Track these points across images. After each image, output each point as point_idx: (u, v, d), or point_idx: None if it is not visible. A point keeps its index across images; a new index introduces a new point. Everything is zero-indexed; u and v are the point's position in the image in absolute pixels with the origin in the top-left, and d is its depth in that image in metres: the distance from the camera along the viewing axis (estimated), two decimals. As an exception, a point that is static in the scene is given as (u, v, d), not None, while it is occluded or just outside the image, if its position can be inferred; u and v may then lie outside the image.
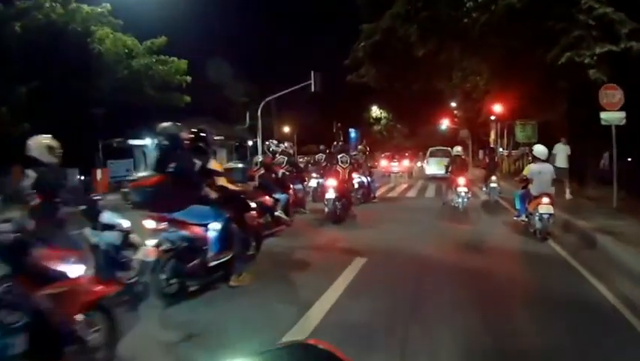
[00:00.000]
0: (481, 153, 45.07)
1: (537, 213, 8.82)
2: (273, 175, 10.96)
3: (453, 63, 21.60)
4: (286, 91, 31.85)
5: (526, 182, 9.68)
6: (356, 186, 14.66)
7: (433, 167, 28.40)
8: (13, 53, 19.42)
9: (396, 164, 32.67)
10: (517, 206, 10.13)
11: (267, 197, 9.64)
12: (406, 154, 38.14)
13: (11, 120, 19.56)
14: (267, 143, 12.59)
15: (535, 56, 14.22)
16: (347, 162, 12.76)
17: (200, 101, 30.48)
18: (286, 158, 12.43)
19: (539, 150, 9.48)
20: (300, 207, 13.01)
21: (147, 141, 27.90)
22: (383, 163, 34.30)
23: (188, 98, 25.78)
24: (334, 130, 62.02)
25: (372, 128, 73.35)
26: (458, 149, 15.29)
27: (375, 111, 73.46)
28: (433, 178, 27.33)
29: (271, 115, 46.40)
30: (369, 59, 19.28)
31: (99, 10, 22.68)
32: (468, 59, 19.65)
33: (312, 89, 29.18)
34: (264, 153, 12.09)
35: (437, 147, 31.25)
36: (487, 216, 13.03)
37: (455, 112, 52.21)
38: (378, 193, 19.26)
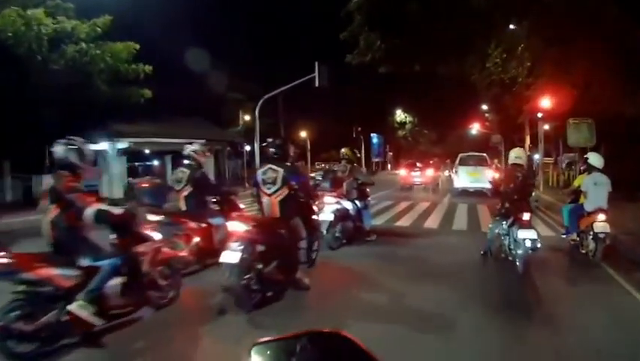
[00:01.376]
0: None
1: (591, 232, 7.86)
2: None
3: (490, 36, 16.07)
4: (286, 87, 26.59)
5: (574, 195, 8.96)
6: (328, 217, 9.07)
7: (464, 178, 22.16)
8: None
9: (418, 174, 26.88)
10: (566, 223, 8.99)
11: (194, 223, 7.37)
12: (431, 162, 32.07)
13: None
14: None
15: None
16: (280, 183, 6.26)
17: (178, 97, 25.80)
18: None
19: (595, 157, 8.56)
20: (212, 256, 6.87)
21: (105, 145, 23.39)
22: (402, 173, 28.33)
23: (148, 93, 21.06)
24: (354, 135, 56.72)
25: (396, 133, 67.65)
26: (518, 153, 8.11)
27: (400, 115, 67.69)
28: (465, 193, 21.44)
29: (277, 117, 41.24)
30: (367, 21, 13.44)
31: None
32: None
33: (317, 84, 24.07)
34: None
35: (469, 153, 24.67)
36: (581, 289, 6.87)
37: (487, 115, 48.51)
38: (385, 218, 13.87)
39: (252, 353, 1.26)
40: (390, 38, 14.80)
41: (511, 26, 20.06)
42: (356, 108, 52.15)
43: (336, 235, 9.32)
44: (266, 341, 1.28)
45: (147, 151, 27.88)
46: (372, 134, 61.96)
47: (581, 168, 9.18)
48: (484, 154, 24.62)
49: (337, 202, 9.46)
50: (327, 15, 18.73)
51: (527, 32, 16.41)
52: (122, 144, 23.25)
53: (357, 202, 9.86)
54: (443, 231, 11.68)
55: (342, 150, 10.58)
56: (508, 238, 7.62)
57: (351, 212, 9.66)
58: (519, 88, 24.63)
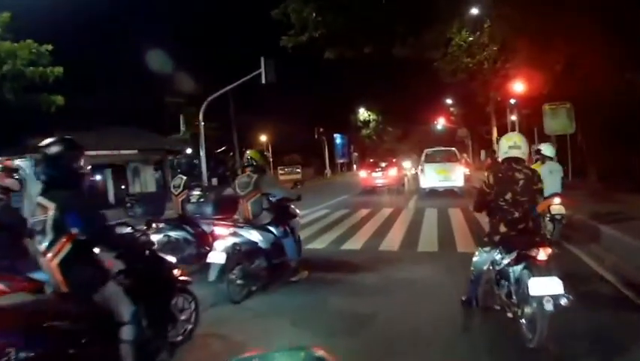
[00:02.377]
0: (483, 153, 39.62)
1: (548, 215, 8.12)
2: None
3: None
4: (231, 86, 23.65)
5: None
6: (218, 259, 6.06)
7: (432, 177, 19.23)
8: None
9: (381, 174, 23.96)
10: None
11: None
12: (393, 160, 29.16)
13: None
14: None
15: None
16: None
17: (108, 104, 22.72)
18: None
19: (547, 148, 8.93)
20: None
21: (20, 163, 20.10)
22: (363, 174, 25.32)
23: (60, 99, 18.41)
24: (316, 136, 53.91)
25: (360, 132, 64.98)
26: (515, 140, 4.92)
27: (363, 113, 64.91)
28: (433, 194, 18.60)
29: (229, 120, 37.89)
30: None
31: None
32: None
33: (264, 80, 21.47)
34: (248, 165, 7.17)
35: (435, 148, 21.74)
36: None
37: (452, 109, 47.41)
38: (333, 236, 10.92)
39: None
40: (329, 11, 11.85)
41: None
42: (317, 108, 48.99)
43: (238, 281, 6.31)
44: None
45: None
46: (335, 135, 59.20)
47: (535, 158, 9.00)
48: (453, 148, 21.61)
49: (233, 233, 6.48)
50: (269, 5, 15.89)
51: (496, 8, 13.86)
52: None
53: (272, 229, 6.81)
54: (405, 255, 8.54)
55: (248, 152, 7.38)
56: (506, 282, 4.65)
57: (262, 245, 6.61)
58: (487, 74, 22.23)
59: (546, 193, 7.23)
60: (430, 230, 10.82)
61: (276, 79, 21.83)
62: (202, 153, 24.40)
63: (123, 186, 26.25)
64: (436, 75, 24.91)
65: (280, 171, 46.09)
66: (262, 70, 21.30)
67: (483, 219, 6.83)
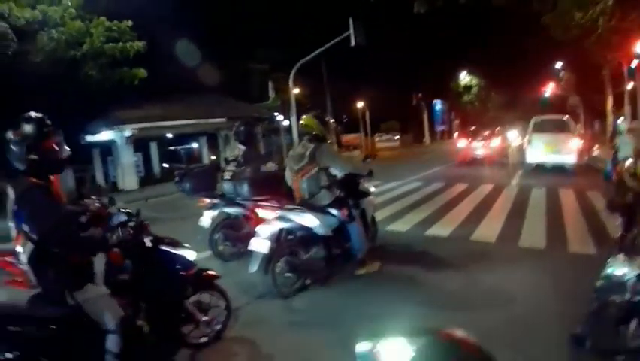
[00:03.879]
0: (597, 124, 36.57)
1: None
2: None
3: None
4: (319, 50, 22.63)
5: None
6: (261, 248, 5.14)
7: (540, 150, 16.80)
8: None
9: (481, 145, 21.82)
10: None
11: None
12: (496, 129, 26.37)
13: None
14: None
15: None
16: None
17: (190, 74, 22.71)
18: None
19: None
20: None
21: (110, 135, 20.90)
22: (461, 144, 23.18)
23: (142, 73, 18.74)
24: (414, 102, 51.53)
25: (462, 98, 61.29)
26: None
27: (465, 78, 60.99)
28: (540, 171, 16.35)
29: (322, 86, 36.81)
30: None
31: None
32: None
33: (353, 43, 20.58)
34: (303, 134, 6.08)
35: (545, 117, 18.67)
36: None
37: (561, 74, 42.18)
38: (421, 216, 9.45)
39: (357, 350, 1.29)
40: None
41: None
42: (415, 73, 46.45)
43: (286, 274, 5.34)
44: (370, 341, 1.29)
45: (170, 135, 25.24)
46: (434, 101, 56.29)
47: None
48: (566, 117, 18.43)
49: (281, 217, 5.40)
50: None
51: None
52: (128, 132, 20.87)
53: (333, 211, 5.61)
54: (503, 251, 6.78)
55: (303, 118, 6.14)
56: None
57: (318, 230, 5.41)
58: (603, 31, 19.14)
59: None
60: (535, 218, 8.88)
61: (365, 41, 20.89)
62: (292, 120, 23.87)
63: (214, 157, 26.48)
64: (544, 34, 22.07)
65: (377, 139, 44.83)
66: (351, 32, 20.29)
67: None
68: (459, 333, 1.27)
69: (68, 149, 3.34)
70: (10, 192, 3.12)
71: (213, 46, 25.50)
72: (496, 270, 5.86)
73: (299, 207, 5.53)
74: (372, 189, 6.62)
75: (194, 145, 29.12)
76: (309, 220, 5.40)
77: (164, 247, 3.89)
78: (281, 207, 5.57)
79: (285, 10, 33.85)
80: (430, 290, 5.30)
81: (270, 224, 5.43)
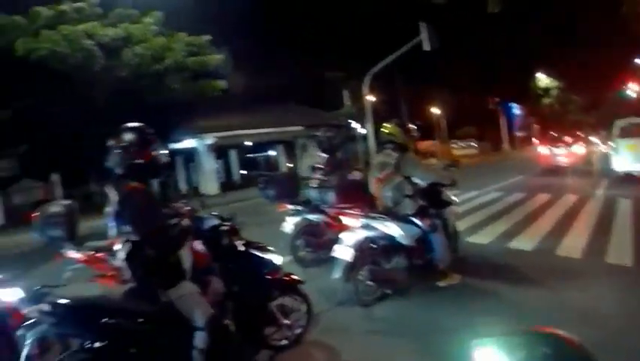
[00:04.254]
0: None
1: None
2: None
3: None
4: (391, 57, 22.83)
5: None
6: (344, 255, 5.26)
7: (628, 157, 15.55)
8: None
9: (564, 151, 20.95)
10: None
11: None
12: (579, 134, 25.09)
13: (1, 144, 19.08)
14: None
15: None
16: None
17: (266, 84, 23.42)
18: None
19: None
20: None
21: (192, 143, 21.97)
22: (542, 150, 22.24)
23: (221, 84, 20.44)
24: (491, 106, 49.98)
25: (540, 101, 58.82)
26: None
27: (544, 80, 58.40)
28: (628, 181, 14.92)
29: (395, 93, 36.61)
30: None
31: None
32: None
33: (425, 47, 20.79)
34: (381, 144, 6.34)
35: (632, 120, 16.74)
36: None
37: None
38: (501, 228, 9.29)
39: (474, 349, 1.26)
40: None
41: None
42: (490, 75, 45.09)
43: (367, 283, 5.43)
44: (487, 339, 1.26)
45: (249, 143, 26.11)
46: (512, 105, 54.38)
47: None
48: None
49: (365, 225, 5.46)
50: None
51: None
52: (209, 140, 21.95)
53: (416, 221, 5.65)
54: (589, 267, 6.46)
55: (385, 126, 6.18)
56: None
57: (401, 240, 5.47)
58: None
59: None
60: (622, 232, 8.37)
61: (438, 45, 20.81)
62: (368, 128, 23.98)
63: (291, 164, 27.04)
64: (625, 26, 20.74)
65: (454, 146, 43.81)
66: (422, 36, 20.42)
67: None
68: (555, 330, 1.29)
69: (167, 155, 3.64)
70: (112, 195, 3.36)
71: (289, 55, 26.13)
72: (583, 287, 5.66)
73: (383, 215, 5.60)
74: (454, 198, 6.60)
75: (272, 153, 29.86)
76: (393, 229, 5.47)
77: (253, 251, 4.11)
78: (365, 216, 5.63)
79: (357, 17, 34.15)
80: (512, 306, 5.22)
81: (354, 232, 5.49)
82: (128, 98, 17.41)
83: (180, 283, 3.40)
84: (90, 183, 21.20)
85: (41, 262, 8.67)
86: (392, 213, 5.64)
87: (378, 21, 31.94)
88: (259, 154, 29.83)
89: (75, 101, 17.50)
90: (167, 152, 3.64)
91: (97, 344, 3.25)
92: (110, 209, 3.39)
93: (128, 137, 3.44)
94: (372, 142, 23.49)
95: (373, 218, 5.58)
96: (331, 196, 6.74)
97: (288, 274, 4.43)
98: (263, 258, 4.16)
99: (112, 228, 3.40)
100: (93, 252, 5.43)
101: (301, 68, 27.33)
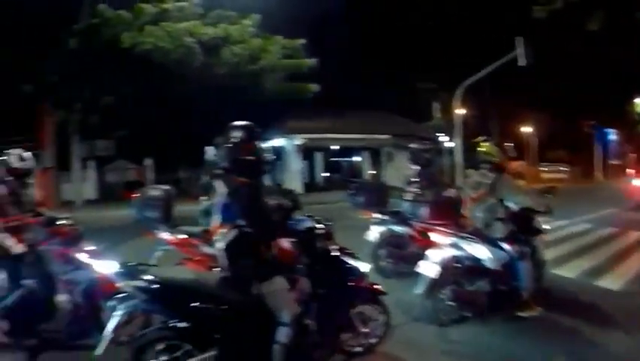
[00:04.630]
0: None
1: None
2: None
3: None
4: (485, 71, 22.30)
5: None
6: (429, 272, 5.26)
7: None
8: (103, 63, 18.61)
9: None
10: None
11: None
12: None
13: (101, 127, 21.00)
14: None
15: None
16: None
17: (358, 90, 23.54)
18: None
19: None
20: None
21: (281, 142, 22.51)
22: (635, 182, 20.45)
23: (314, 87, 20.90)
24: (584, 130, 47.08)
25: (637, 128, 54.71)
26: None
27: (641, 104, 54.07)
28: None
29: (487, 108, 35.47)
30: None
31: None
32: None
33: (521, 63, 20.63)
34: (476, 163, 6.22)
35: None
36: None
37: None
38: (588, 264, 8.87)
39: None
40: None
41: None
42: (585, 96, 42.45)
43: (448, 303, 5.37)
44: None
45: (336, 147, 26.39)
46: (606, 130, 51.02)
47: None
48: None
49: (453, 244, 5.41)
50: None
51: None
52: (298, 141, 22.49)
53: (505, 246, 5.52)
54: None
55: (483, 144, 6.00)
56: None
57: (488, 264, 5.39)
58: None
59: None
60: None
61: (533, 60, 20.44)
62: (456, 143, 23.50)
63: (374, 172, 26.95)
64: None
65: (542, 169, 41.83)
66: (518, 51, 20.11)
67: None
68: None
69: (272, 153, 3.86)
70: (220, 187, 3.58)
71: (381, 63, 26.17)
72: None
73: (471, 236, 5.53)
74: (545, 227, 6.38)
75: (357, 159, 29.86)
76: (480, 251, 5.40)
77: (343, 258, 4.23)
78: (455, 234, 5.57)
79: (452, 28, 33.52)
80: (592, 348, 5.00)
81: (441, 249, 5.45)
82: (223, 95, 18.26)
83: (274, 278, 3.56)
84: (179, 170, 22.33)
85: (129, 238, 9.25)
86: (481, 235, 5.55)
87: (474, 33, 31.28)
88: (343, 159, 30.01)
89: (174, 94, 18.49)
90: (271, 150, 3.86)
91: (181, 324, 3.48)
92: (217, 200, 3.59)
93: (237, 134, 3.65)
94: (459, 157, 23.01)
95: (463, 238, 5.51)
96: (424, 211, 6.68)
97: (372, 284, 4.49)
98: (351, 265, 4.27)
99: (217, 218, 3.58)
100: (185, 236, 5.76)
101: (392, 76, 27.26)
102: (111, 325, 3.58)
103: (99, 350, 3.52)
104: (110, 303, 3.80)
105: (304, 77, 20.90)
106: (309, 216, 4.31)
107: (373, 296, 4.50)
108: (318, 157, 27.99)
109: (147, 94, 19.14)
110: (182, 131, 19.08)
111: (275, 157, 3.91)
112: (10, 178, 5.29)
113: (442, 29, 29.92)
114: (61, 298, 4.83)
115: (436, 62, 29.04)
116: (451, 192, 6.52)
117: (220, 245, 3.54)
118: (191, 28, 18.60)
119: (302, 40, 20.34)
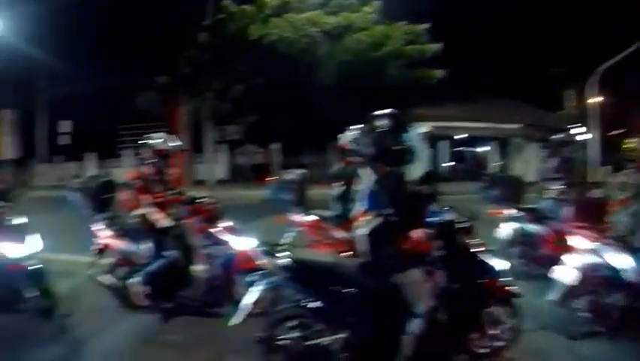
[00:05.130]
0: None
1: None
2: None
3: None
4: (623, 54, 20.16)
5: None
6: (567, 278, 4.91)
7: None
8: (232, 53, 20.09)
9: None
10: None
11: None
12: None
13: (232, 113, 22.39)
14: None
15: None
16: None
17: (489, 76, 22.50)
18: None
19: None
20: None
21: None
22: None
23: (438, 73, 20.63)
24: None
25: None
26: None
27: None
28: None
29: (627, 97, 32.16)
30: None
31: None
32: None
33: None
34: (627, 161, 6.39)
35: None
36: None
37: None
38: None
39: None
40: None
41: None
42: None
43: (582, 314, 5.04)
44: None
45: (461, 136, 25.53)
46: None
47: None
48: None
49: (594, 250, 5.02)
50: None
51: None
52: (423, 128, 22.02)
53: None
54: None
55: (629, 140, 5.58)
56: None
57: (626, 275, 4.93)
58: None
59: None
60: None
61: None
62: (592, 136, 21.69)
63: (500, 163, 25.74)
64: None
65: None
66: None
67: None
68: None
69: (411, 142, 3.85)
70: (366, 175, 3.67)
71: (506, 46, 24.85)
72: None
73: (616, 243, 5.11)
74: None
75: (486, 148, 28.58)
76: (620, 261, 4.94)
77: (482, 255, 4.15)
78: (599, 239, 5.14)
79: (587, 7, 30.74)
80: None
81: (582, 255, 5.07)
82: (347, 83, 18.58)
83: (412, 269, 3.61)
84: (303, 154, 23.15)
85: (259, 217, 9.58)
86: (625, 242, 5.12)
87: (611, 12, 28.36)
88: (468, 148, 28.95)
89: (299, 82, 19.21)
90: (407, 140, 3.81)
91: (316, 304, 3.61)
92: (363, 187, 3.69)
93: (384, 122, 3.69)
94: (594, 152, 21.20)
95: (606, 244, 5.08)
96: (567, 211, 6.09)
97: (507, 285, 4.29)
98: (489, 263, 4.16)
99: (361, 205, 3.67)
100: (317, 219, 6.00)
101: (519, 60, 25.71)
102: (251, 298, 3.87)
103: (237, 320, 3.82)
104: (251, 278, 4.08)
105: (427, 63, 20.55)
106: (450, 207, 4.15)
107: (507, 298, 4.32)
108: (442, 146, 27.21)
109: (274, 82, 20.05)
110: (308, 118, 19.72)
111: (414, 147, 3.85)
112: (156, 159, 5.74)
113: (576, 8, 27.36)
114: (199, 269, 5.42)
115: (569, 42, 26.71)
116: (597, 193, 6.07)
117: (363, 231, 3.58)
118: (313, 18, 19.43)
119: (425, 25, 20.04)
